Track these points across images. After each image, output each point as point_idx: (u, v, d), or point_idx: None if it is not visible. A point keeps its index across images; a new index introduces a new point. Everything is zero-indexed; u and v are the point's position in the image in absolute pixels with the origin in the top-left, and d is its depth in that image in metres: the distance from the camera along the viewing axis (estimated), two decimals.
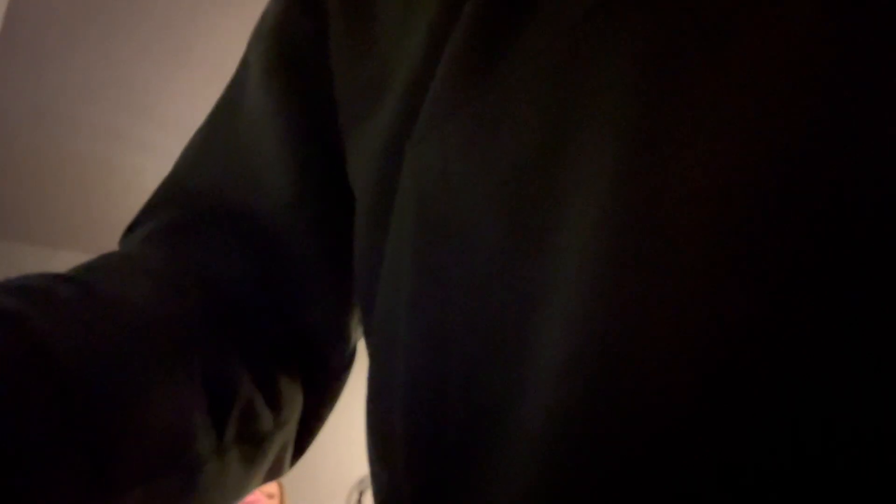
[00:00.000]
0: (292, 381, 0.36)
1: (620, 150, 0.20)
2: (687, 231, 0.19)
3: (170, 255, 0.35)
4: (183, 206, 0.37)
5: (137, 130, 1.88)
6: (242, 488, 0.33)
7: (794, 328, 0.17)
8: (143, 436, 0.27)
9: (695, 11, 0.20)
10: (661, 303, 0.18)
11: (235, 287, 0.35)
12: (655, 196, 0.19)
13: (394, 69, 0.30)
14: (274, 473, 0.35)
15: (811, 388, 0.17)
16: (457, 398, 0.24)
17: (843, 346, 0.16)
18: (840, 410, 0.16)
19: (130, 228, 0.38)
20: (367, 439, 0.29)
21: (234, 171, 0.37)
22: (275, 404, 0.34)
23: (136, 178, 2.05)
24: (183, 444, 0.29)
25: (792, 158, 0.18)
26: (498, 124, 0.24)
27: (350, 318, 0.38)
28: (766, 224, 0.18)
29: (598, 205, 0.20)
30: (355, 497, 2.61)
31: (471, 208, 0.24)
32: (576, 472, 0.19)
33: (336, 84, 0.34)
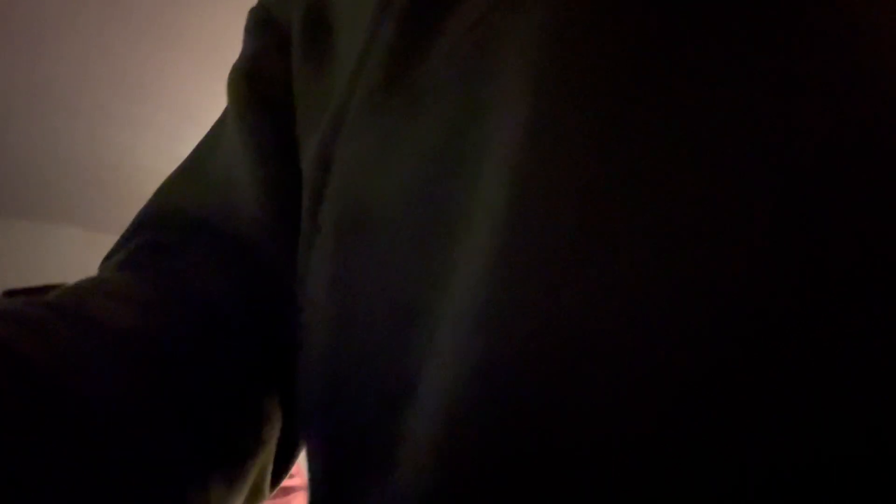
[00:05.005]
0: (271, 399, 0.36)
1: (521, 138, 0.20)
2: (577, 221, 0.18)
3: (146, 275, 0.34)
4: (159, 229, 0.37)
5: (131, 110, 1.87)
6: None
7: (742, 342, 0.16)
8: (126, 456, 0.26)
9: None
10: (557, 297, 0.18)
11: (213, 304, 0.35)
12: (549, 187, 0.19)
13: (338, 84, 0.31)
14: (253, 499, 0.35)
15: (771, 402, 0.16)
16: (357, 387, 0.23)
17: (784, 360, 0.16)
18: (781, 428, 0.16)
19: (109, 255, 0.37)
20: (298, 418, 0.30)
21: (209, 196, 0.37)
22: (255, 422, 0.34)
23: (128, 155, 2.06)
24: (165, 467, 0.28)
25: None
26: (414, 117, 0.25)
27: None
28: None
29: (498, 195, 0.20)
30: None
31: (385, 198, 0.25)
32: (466, 479, 0.18)
33: (297, 108, 0.35)
